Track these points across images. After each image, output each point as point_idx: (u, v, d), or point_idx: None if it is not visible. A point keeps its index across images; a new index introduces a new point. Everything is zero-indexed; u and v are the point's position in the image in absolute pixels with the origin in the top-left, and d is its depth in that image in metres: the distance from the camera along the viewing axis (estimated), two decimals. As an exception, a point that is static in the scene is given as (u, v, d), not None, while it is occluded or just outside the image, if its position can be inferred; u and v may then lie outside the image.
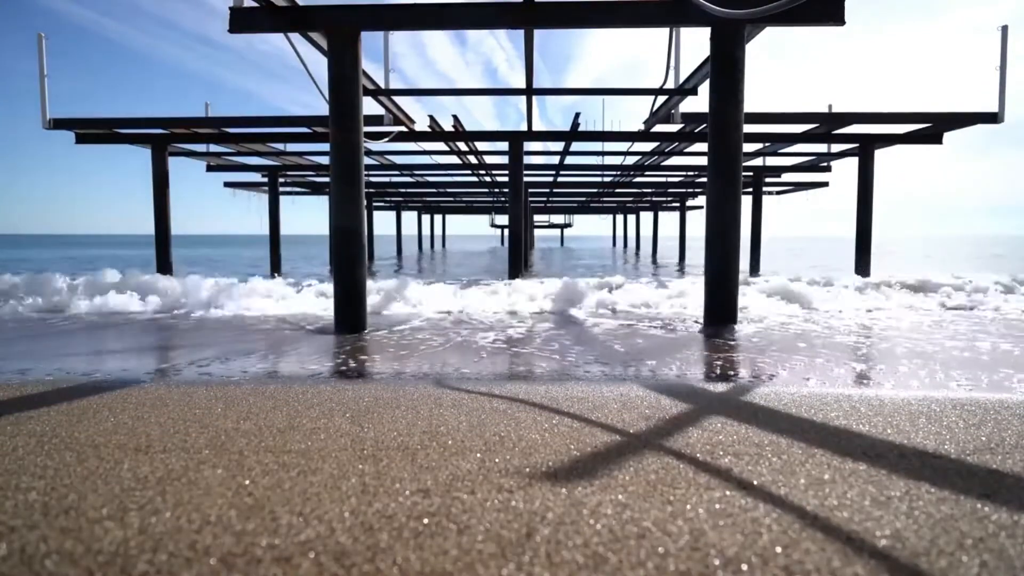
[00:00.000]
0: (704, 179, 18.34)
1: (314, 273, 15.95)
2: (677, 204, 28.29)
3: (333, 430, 2.83)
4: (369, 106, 8.06)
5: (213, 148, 13.40)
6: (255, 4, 6.11)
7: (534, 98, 10.08)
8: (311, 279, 10.34)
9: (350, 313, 7.06)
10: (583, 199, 28.70)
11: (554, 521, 1.83)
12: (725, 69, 6.56)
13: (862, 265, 13.47)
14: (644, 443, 2.63)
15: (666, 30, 8.03)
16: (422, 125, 11.26)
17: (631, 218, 42.63)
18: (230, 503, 1.96)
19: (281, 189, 18.39)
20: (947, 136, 12.12)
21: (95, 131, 11.52)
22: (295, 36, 6.66)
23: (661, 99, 9.50)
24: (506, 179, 16.85)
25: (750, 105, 7.17)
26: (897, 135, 12.54)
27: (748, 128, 8.90)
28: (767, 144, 13.11)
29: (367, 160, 14.07)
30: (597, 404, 3.34)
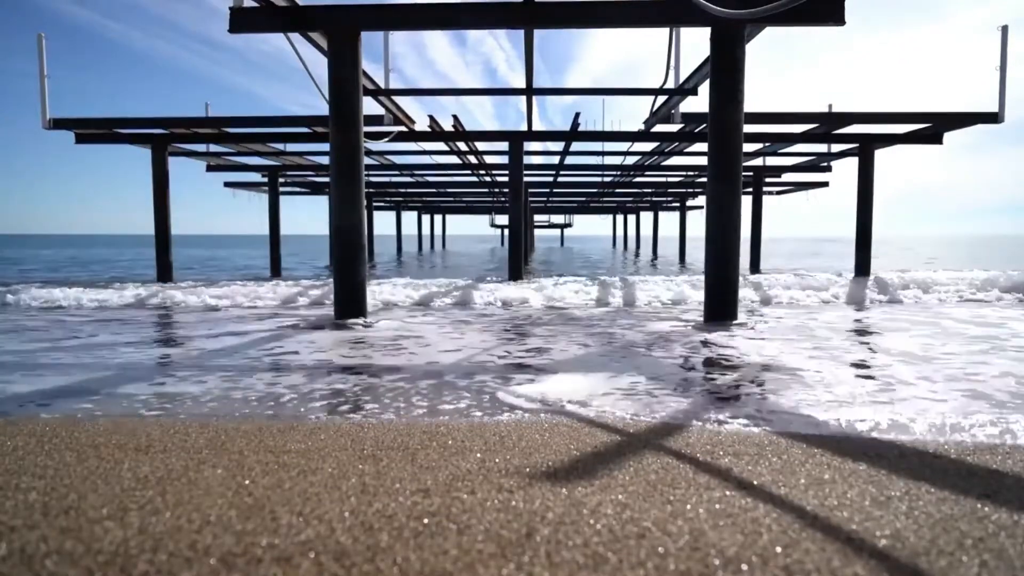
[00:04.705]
0: (704, 179, 18.34)
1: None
2: (677, 204, 28.28)
3: (333, 430, 2.83)
4: (369, 106, 8.06)
5: (213, 148, 13.40)
6: (255, 4, 6.11)
7: (534, 98, 10.07)
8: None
9: (351, 312, 7.06)
10: (583, 199, 28.69)
11: (554, 521, 1.83)
12: (725, 69, 6.56)
13: (862, 265, 13.46)
14: (644, 443, 2.63)
15: (666, 30, 8.03)
16: (422, 125, 11.26)
17: (631, 218, 42.61)
18: (230, 503, 1.96)
19: (281, 189, 18.38)
20: (947, 136, 12.13)
21: (95, 131, 11.52)
22: (295, 36, 6.66)
23: (661, 99, 9.50)
24: (506, 179, 16.85)
25: (750, 105, 7.17)
26: (897, 135, 12.54)
27: (748, 128, 8.89)
28: (767, 144, 13.11)
29: (367, 160, 14.06)
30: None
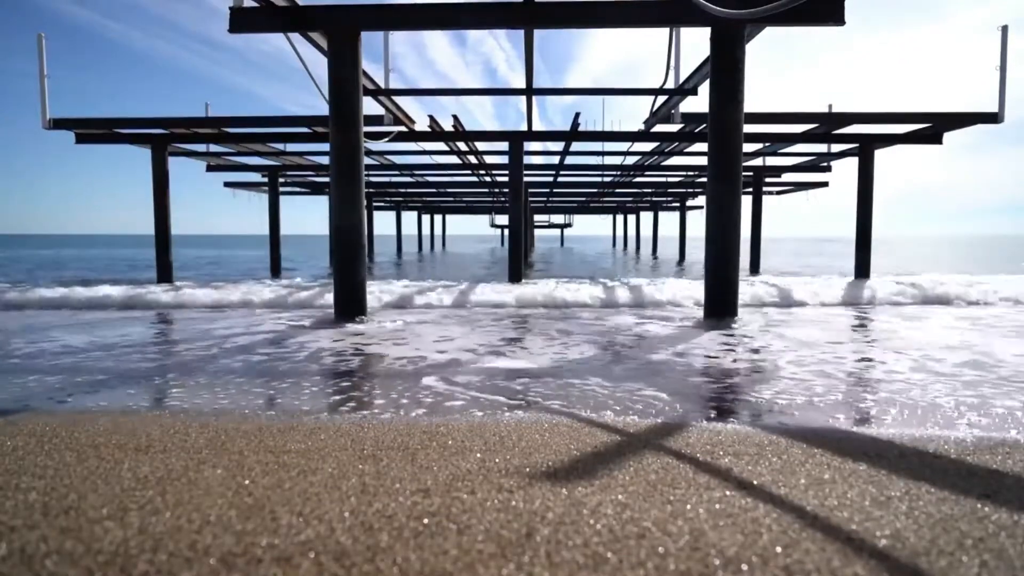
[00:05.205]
0: (704, 179, 18.35)
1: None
2: (677, 204, 28.29)
3: (333, 430, 2.83)
4: (369, 106, 8.06)
5: (213, 148, 13.40)
6: (255, 4, 6.12)
7: (534, 98, 10.07)
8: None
9: (351, 311, 7.06)
10: (583, 199, 28.69)
11: (554, 521, 1.83)
12: (725, 69, 6.56)
13: (862, 265, 13.46)
14: (644, 443, 2.63)
15: (666, 30, 8.03)
16: (422, 125, 11.26)
17: (631, 218, 42.63)
18: (230, 503, 1.96)
19: (281, 189, 18.39)
20: (947, 136, 12.13)
21: (95, 131, 11.52)
22: (295, 36, 6.66)
23: (661, 99, 9.50)
24: (506, 179, 16.85)
25: (750, 105, 7.17)
26: (897, 135, 12.54)
27: (748, 128, 8.91)
28: (767, 144, 13.11)
29: (367, 160, 14.07)
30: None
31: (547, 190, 22.24)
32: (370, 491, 2.06)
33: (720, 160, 6.64)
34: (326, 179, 18.72)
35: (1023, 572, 1.55)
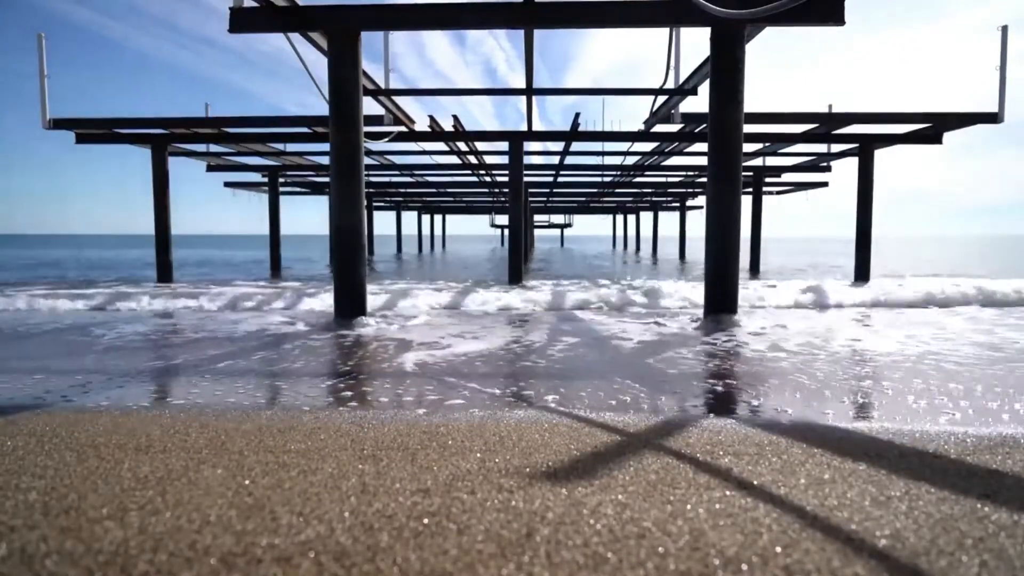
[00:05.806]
0: (704, 179, 18.35)
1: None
2: (677, 204, 28.30)
3: (333, 430, 2.83)
4: (369, 106, 8.06)
5: (213, 148, 13.40)
6: (255, 4, 6.12)
7: (534, 98, 10.08)
8: None
9: (351, 311, 7.06)
10: (583, 199, 28.70)
11: (554, 521, 1.82)
12: (725, 69, 6.57)
13: (861, 265, 13.47)
14: (644, 443, 2.63)
15: (666, 30, 8.03)
16: (422, 125, 11.26)
17: (631, 218, 42.65)
18: (230, 503, 1.96)
19: (281, 189, 18.40)
20: (947, 136, 12.14)
21: (95, 131, 11.52)
22: (295, 36, 6.66)
23: (661, 99, 9.50)
24: (506, 179, 16.85)
25: (750, 105, 7.18)
26: (897, 135, 12.55)
27: (748, 128, 8.91)
28: (767, 144, 13.12)
29: (367, 160, 14.07)
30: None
31: (547, 190, 22.25)
32: (370, 491, 2.06)
33: (720, 160, 6.64)
34: (326, 179, 18.73)
35: (1023, 572, 1.55)
